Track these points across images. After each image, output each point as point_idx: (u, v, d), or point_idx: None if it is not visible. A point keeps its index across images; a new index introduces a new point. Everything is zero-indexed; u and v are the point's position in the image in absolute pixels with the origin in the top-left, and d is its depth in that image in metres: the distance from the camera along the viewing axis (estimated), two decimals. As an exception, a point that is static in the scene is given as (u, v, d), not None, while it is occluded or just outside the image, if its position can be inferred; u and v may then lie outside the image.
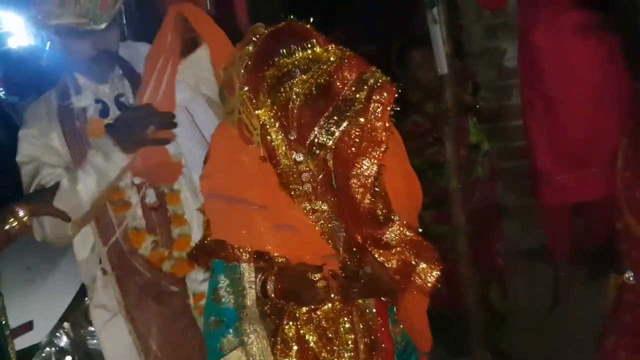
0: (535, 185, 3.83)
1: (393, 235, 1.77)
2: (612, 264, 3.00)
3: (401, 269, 1.77)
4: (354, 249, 1.76)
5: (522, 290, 3.77)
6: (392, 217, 1.78)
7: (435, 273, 1.79)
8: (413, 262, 1.78)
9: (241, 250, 1.79)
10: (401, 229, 1.78)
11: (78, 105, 2.23)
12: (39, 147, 2.21)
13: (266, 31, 1.75)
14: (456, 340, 3.69)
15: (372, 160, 1.68)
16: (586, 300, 3.46)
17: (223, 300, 1.82)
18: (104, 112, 2.24)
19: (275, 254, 1.80)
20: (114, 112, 2.23)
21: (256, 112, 1.70)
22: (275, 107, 1.69)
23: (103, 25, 2.08)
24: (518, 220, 4.31)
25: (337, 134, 1.65)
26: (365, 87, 1.63)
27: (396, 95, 1.66)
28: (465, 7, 4.25)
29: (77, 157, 2.19)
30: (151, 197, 2.27)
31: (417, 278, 1.79)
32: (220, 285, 1.83)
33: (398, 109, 1.67)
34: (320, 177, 1.79)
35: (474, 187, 3.43)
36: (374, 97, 1.64)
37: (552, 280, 3.83)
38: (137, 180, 2.25)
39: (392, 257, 1.77)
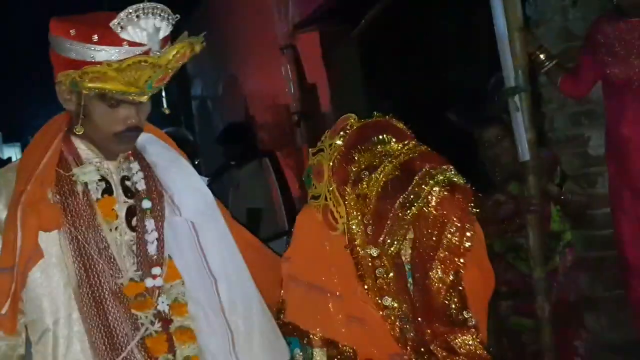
0: (625, 278, 3.69)
1: (464, 343, 1.79)
2: None
3: None
4: (422, 350, 1.78)
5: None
6: (466, 317, 1.80)
7: None
8: None
9: (312, 334, 1.86)
10: (473, 342, 1.80)
11: (82, 179, 1.82)
12: None
13: (355, 123, 1.87)
14: None
15: (453, 257, 1.74)
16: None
17: None
18: (106, 193, 1.85)
19: (344, 344, 1.84)
20: (118, 195, 1.85)
21: (342, 202, 1.81)
22: (358, 200, 1.78)
23: (144, 98, 1.76)
24: (605, 312, 4.13)
25: (403, 228, 1.72)
26: (432, 180, 1.70)
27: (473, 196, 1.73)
28: (548, 95, 4.24)
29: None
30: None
31: None
32: (296, 358, 1.93)
33: (480, 198, 1.74)
34: (391, 274, 1.83)
35: (551, 278, 3.31)
36: (455, 198, 1.69)
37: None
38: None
39: None
